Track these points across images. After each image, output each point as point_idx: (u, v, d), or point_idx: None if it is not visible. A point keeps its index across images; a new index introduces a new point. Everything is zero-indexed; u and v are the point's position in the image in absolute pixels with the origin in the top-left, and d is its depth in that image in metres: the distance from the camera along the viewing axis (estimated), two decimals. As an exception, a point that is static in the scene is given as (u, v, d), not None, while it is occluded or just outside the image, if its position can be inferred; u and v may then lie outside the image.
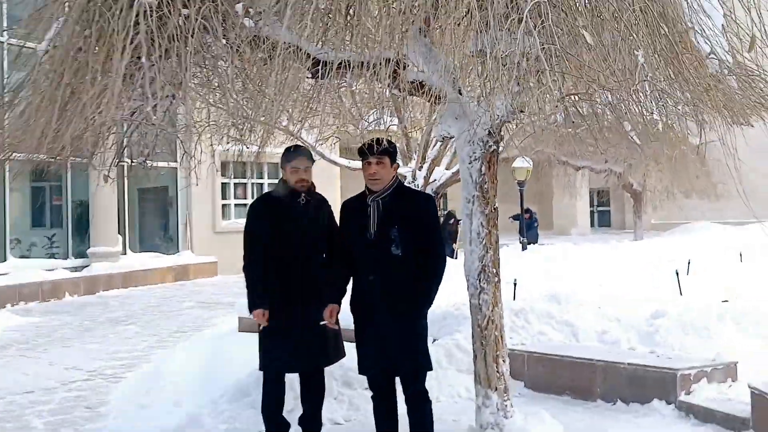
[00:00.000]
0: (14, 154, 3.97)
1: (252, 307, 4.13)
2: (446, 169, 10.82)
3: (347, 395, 4.98)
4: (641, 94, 3.49)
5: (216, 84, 3.46)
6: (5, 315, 11.40)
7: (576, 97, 3.25)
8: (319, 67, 3.56)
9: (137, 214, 17.76)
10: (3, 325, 10.61)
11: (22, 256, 14.82)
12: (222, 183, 17.75)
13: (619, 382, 4.92)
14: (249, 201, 15.71)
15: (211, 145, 6.79)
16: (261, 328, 4.17)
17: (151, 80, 2.71)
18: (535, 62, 2.63)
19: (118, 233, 16.12)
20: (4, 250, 14.47)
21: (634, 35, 2.98)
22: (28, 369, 7.74)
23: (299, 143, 4.90)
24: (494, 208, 3.66)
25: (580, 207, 30.24)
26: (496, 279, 3.69)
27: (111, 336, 9.75)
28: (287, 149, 4.23)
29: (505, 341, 3.77)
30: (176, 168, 16.90)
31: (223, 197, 17.82)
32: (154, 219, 18.37)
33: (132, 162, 4.45)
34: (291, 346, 4.03)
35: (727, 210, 20.90)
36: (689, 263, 10.10)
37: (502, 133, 3.64)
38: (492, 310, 3.66)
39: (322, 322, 3.88)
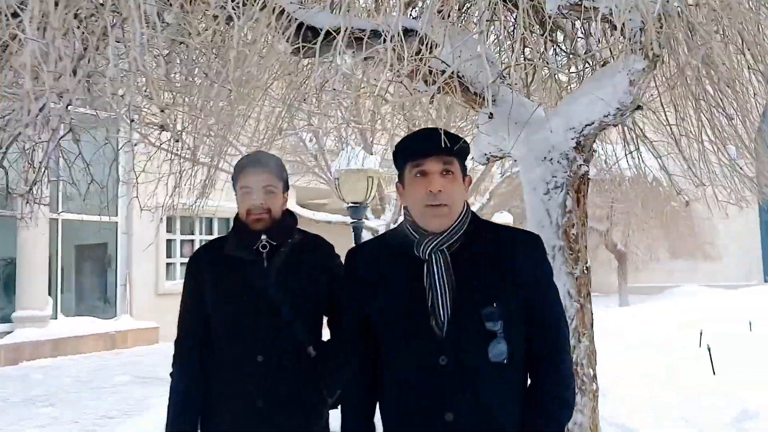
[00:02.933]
0: None
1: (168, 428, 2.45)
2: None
3: None
4: None
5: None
6: None
7: None
8: (302, 40, 2.20)
9: (73, 274, 15.96)
10: None
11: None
12: (167, 240, 16.15)
13: None
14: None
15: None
16: None
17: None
18: None
19: (48, 295, 14.35)
20: None
21: None
22: None
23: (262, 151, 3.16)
24: (586, 267, 2.23)
25: (548, 269, 29.26)
26: (594, 387, 2.20)
27: (21, 423, 7.99)
28: (238, 162, 2.50)
29: (608, 490, 2.25)
30: (116, 223, 15.37)
31: (168, 255, 16.09)
32: (91, 279, 16.53)
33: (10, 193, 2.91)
34: None
35: (707, 272, 20.12)
36: (701, 334, 8.92)
37: (594, 145, 2.26)
38: (591, 440, 2.17)
39: None
